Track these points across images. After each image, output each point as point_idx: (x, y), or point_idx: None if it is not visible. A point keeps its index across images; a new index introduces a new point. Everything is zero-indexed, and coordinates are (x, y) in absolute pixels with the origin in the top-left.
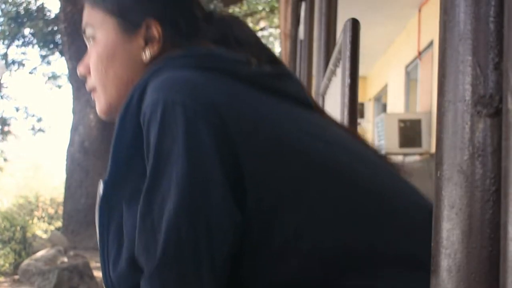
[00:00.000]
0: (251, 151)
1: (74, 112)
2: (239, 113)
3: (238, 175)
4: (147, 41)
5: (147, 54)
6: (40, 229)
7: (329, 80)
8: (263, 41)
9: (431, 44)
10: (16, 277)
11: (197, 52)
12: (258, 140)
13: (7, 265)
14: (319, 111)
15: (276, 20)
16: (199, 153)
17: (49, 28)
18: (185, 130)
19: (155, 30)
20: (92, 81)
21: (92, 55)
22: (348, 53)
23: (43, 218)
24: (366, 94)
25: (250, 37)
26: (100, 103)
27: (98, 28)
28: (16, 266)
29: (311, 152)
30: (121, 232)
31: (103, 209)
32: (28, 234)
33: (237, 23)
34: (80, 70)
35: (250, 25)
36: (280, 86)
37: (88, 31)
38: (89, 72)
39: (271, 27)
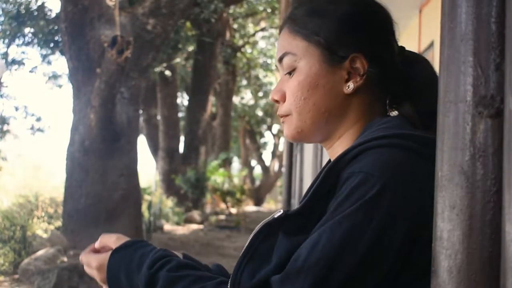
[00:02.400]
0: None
1: (74, 111)
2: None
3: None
4: (350, 74)
5: (350, 87)
6: (40, 228)
7: None
8: (265, 42)
9: (431, 45)
10: (16, 276)
11: (425, 140)
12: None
13: (7, 264)
14: None
15: (277, 21)
16: (381, 248)
17: (50, 28)
18: (382, 221)
19: (360, 64)
20: (285, 107)
21: (292, 83)
22: None
23: (43, 217)
24: None
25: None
26: (290, 128)
27: (300, 57)
28: (16, 265)
29: None
30: (269, 254)
31: (266, 228)
32: (28, 234)
33: (427, 65)
34: (274, 95)
35: (251, 25)
36: None
37: (287, 59)
38: (283, 99)
39: (272, 27)
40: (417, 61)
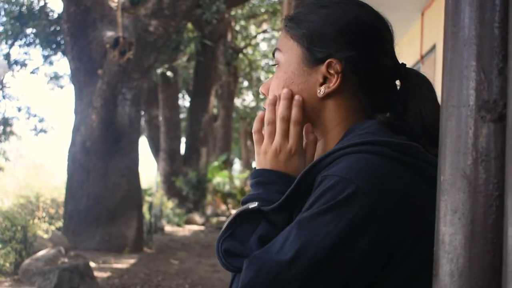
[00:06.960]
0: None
1: (76, 112)
2: (416, 226)
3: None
4: (326, 79)
5: (321, 92)
6: (41, 229)
7: None
8: (267, 44)
9: (433, 48)
10: (17, 277)
11: (402, 146)
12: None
13: (7, 264)
14: None
15: (278, 23)
16: (348, 248)
17: (52, 28)
18: (351, 223)
19: (335, 71)
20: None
21: (274, 78)
22: None
23: (44, 218)
24: None
25: (434, 113)
26: None
27: (284, 53)
28: (16, 266)
29: None
30: (247, 237)
31: (243, 215)
32: (29, 234)
33: (427, 88)
34: (262, 88)
35: (252, 27)
36: None
37: (276, 55)
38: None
39: (273, 29)
40: (413, 76)
